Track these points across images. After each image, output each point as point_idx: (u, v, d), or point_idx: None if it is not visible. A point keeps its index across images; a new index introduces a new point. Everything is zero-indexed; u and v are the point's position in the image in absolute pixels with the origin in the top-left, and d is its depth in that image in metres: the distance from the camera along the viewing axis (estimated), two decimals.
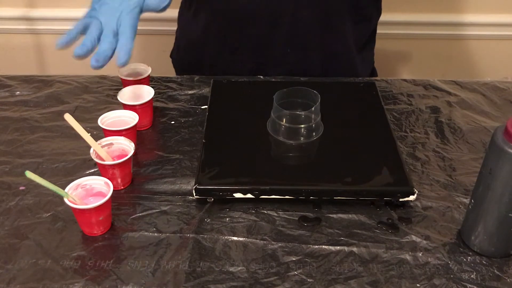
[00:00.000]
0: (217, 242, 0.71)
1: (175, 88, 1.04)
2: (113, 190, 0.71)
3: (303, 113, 0.87)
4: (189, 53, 1.14)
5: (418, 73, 1.69)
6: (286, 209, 0.77)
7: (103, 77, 1.07)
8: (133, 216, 0.75)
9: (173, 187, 0.80)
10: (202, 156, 0.81)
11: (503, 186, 0.63)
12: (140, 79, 0.97)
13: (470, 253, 0.70)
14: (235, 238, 0.72)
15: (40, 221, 0.74)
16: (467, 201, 0.77)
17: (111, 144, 0.81)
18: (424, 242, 0.72)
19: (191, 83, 1.06)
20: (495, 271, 0.68)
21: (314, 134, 0.86)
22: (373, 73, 1.19)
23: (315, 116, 0.86)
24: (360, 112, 0.93)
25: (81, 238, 0.72)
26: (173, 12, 1.16)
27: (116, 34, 0.80)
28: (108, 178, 0.73)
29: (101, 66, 0.79)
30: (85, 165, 0.84)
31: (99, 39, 0.79)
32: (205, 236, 0.72)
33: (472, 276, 0.67)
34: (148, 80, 1.00)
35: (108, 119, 0.86)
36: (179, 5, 1.14)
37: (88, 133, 0.79)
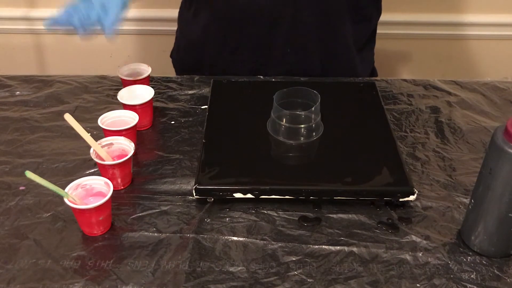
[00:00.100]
0: (217, 242, 0.71)
1: (175, 88, 1.04)
2: (113, 190, 0.71)
3: (303, 113, 0.87)
4: (189, 53, 1.14)
5: (418, 73, 1.69)
6: (286, 209, 0.77)
7: (103, 77, 1.07)
8: (133, 216, 0.75)
9: (173, 187, 0.80)
10: (202, 156, 0.81)
11: (503, 186, 0.63)
12: (140, 79, 0.97)
13: (470, 253, 0.70)
14: (235, 238, 0.72)
15: (40, 221, 0.74)
16: (467, 201, 0.77)
17: (111, 144, 0.81)
18: (424, 242, 0.72)
19: (191, 83, 1.06)
20: (495, 271, 0.68)
21: (314, 134, 0.86)
22: (373, 73, 1.19)
23: (315, 116, 0.86)
24: (360, 112, 0.93)
25: (81, 238, 0.72)
26: (173, 12, 1.16)
27: (103, 6, 0.81)
28: (108, 178, 0.73)
29: (87, 34, 0.80)
30: (85, 165, 0.84)
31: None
32: (205, 236, 0.72)
33: (472, 276, 0.67)
34: (148, 80, 1.00)
35: (108, 119, 0.86)
36: (179, 5, 1.14)
37: (88, 133, 0.79)
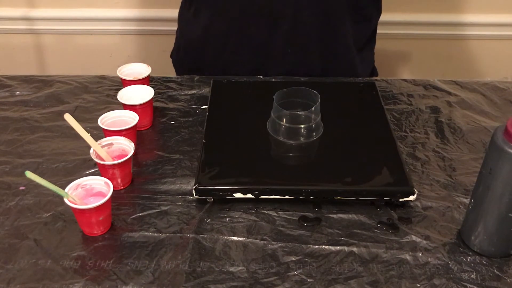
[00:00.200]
0: (217, 242, 0.71)
1: (175, 88, 1.04)
2: (113, 190, 0.71)
3: (303, 113, 0.87)
4: (189, 53, 1.14)
5: (418, 73, 1.69)
6: (286, 209, 0.77)
7: (103, 77, 1.07)
8: (133, 216, 0.75)
9: (173, 187, 0.80)
10: (202, 156, 0.81)
11: (503, 186, 0.63)
12: (140, 79, 0.97)
13: (470, 253, 0.70)
14: (235, 238, 0.72)
15: (40, 221, 0.74)
16: (467, 201, 0.77)
17: (111, 144, 0.81)
18: (424, 242, 0.72)
19: (191, 83, 1.06)
20: (495, 271, 0.68)
21: (314, 134, 0.86)
22: (373, 73, 1.19)
23: (315, 116, 0.86)
24: (360, 112, 0.93)
25: (81, 238, 0.72)
26: (173, 12, 1.16)
27: None
28: (108, 178, 0.73)
29: None
30: (85, 165, 0.84)
31: None
32: (205, 236, 0.72)
33: (472, 276, 0.67)
34: (148, 80, 1.00)
35: (108, 119, 0.86)
36: (179, 5, 1.14)
37: (88, 133, 0.79)
